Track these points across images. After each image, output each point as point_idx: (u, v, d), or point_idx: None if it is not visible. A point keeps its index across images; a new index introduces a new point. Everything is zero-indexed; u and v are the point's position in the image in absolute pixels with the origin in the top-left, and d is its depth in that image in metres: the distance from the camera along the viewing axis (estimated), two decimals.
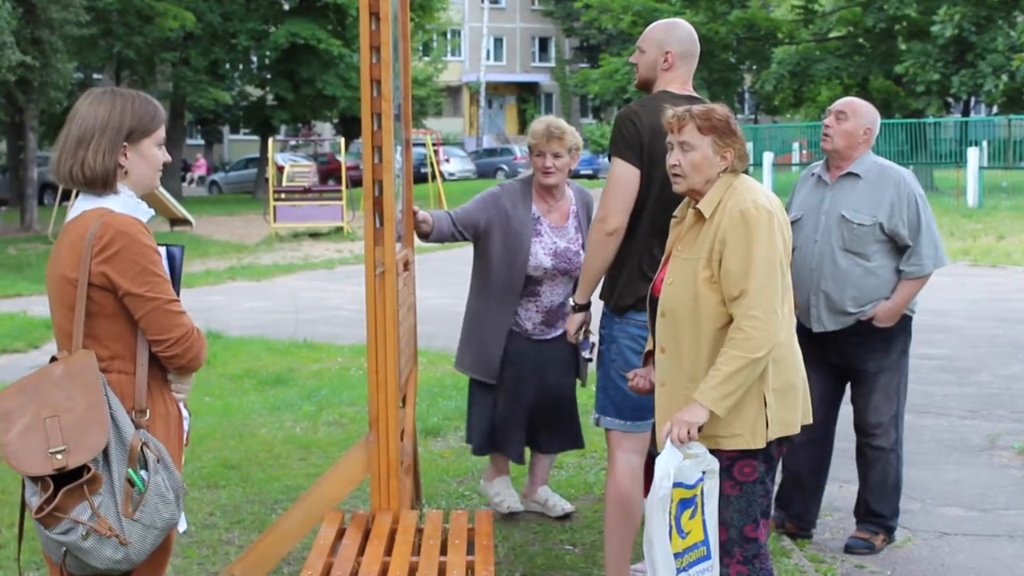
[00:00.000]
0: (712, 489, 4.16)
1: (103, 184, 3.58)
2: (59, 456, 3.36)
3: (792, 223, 5.64)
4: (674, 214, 4.50)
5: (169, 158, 3.80)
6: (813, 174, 6.26)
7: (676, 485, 4.08)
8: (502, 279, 6.30)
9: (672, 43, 5.19)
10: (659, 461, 4.10)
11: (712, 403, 4.06)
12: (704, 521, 4.16)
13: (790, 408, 4.26)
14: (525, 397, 6.40)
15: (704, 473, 4.14)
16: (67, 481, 3.37)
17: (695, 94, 5.21)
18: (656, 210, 4.94)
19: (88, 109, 3.62)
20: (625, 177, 4.97)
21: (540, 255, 6.26)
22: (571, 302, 5.39)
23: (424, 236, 6.24)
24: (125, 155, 3.61)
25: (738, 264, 4.09)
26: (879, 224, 5.92)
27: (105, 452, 3.42)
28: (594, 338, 5.46)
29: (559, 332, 6.36)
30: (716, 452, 4.17)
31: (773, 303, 4.09)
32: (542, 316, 6.37)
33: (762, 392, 4.16)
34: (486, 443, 6.52)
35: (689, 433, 4.07)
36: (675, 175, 4.30)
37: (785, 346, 4.24)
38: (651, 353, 4.56)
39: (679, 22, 5.34)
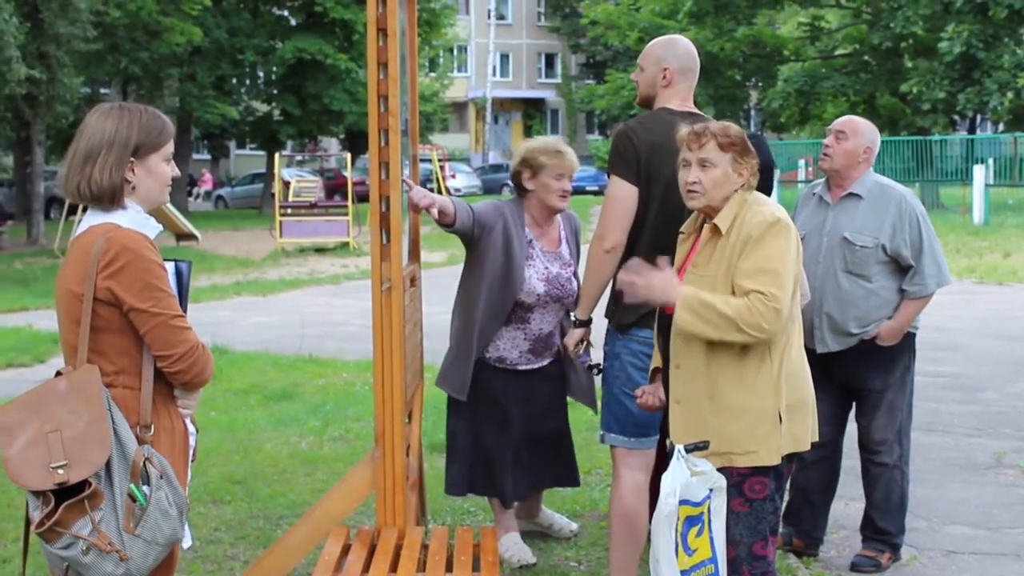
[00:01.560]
0: (719, 507, 4.15)
1: (110, 200, 3.59)
2: (60, 471, 3.36)
3: None
4: (681, 230, 4.50)
5: (178, 173, 3.80)
6: (814, 194, 6.25)
7: (682, 503, 4.07)
8: (493, 300, 5.99)
9: (670, 59, 5.21)
10: (665, 478, 4.10)
11: (684, 307, 4.07)
12: (712, 538, 4.15)
13: (801, 424, 4.25)
14: (511, 434, 6.13)
15: (711, 490, 4.13)
16: (68, 496, 3.37)
17: (695, 110, 5.22)
18: (657, 227, 4.95)
19: (95, 124, 3.63)
20: (622, 195, 4.98)
21: (533, 280, 5.98)
22: (572, 317, 5.36)
23: (449, 225, 5.84)
24: (132, 170, 3.62)
25: (755, 269, 4.08)
26: (881, 246, 5.92)
27: (107, 467, 3.42)
28: (595, 352, 5.44)
29: (546, 362, 6.17)
30: (729, 469, 4.16)
31: (790, 310, 4.09)
32: (529, 344, 6.11)
33: (777, 409, 4.15)
34: (464, 482, 6.25)
35: (646, 298, 4.11)
36: (692, 191, 4.28)
37: (796, 363, 4.24)
38: (658, 370, 4.55)
39: (678, 38, 5.36)
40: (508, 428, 6.12)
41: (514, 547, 6.13)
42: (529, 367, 6.16)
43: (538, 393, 6.19)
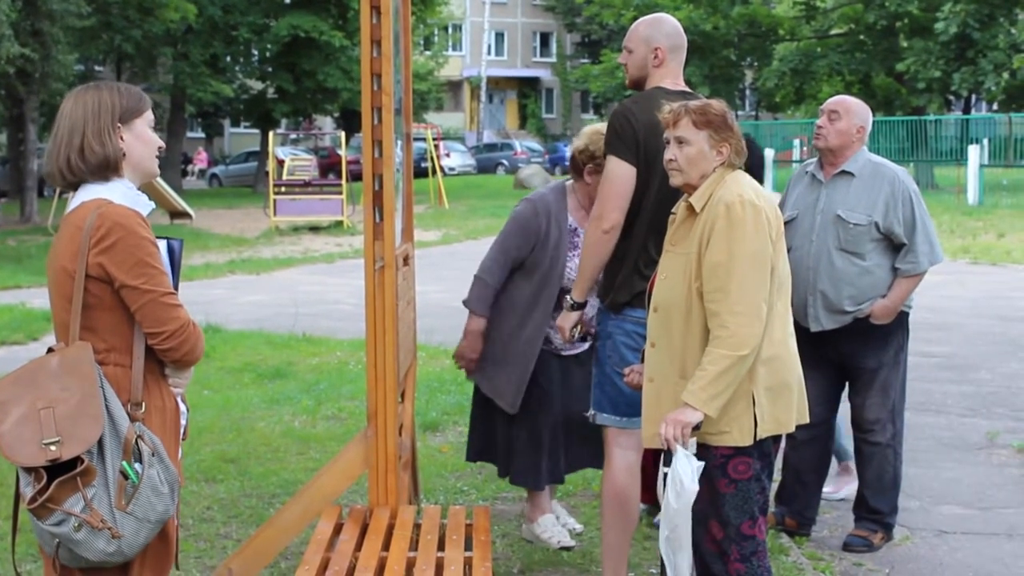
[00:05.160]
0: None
1: (108, 167, 3.57)
2: (53, 447, 3.35)
3: (787, 222, 5.64)
4: (672, 211, 4.49)
5: (163, 143, 3.79)
6: (807, 172, 6.25)
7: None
8: (539, 298, 5.93)
9: (660, 38, 5.16)
10: (679, 469, 4.08)
11: (702, 404, 4.05)
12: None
13: (784, 407, 4.24)
14: (551, 416, 6.04)
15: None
16: (60, 472, 3.36)
17: (688, 89, 5.19)
18: (654, 208, 4.92)
19: (74, 102, 3.62)
20: (621, 175, 4.94)
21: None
22: (567, 300, 5.31)
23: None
24: (121, 137, 3.60)
25: (720, 257, 4.08)
26: (875, 223, 5.93)
27: (99, 444, 3.41)
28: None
29: (585, 347, 6.06)
30: (712, 450, 4.17)
31: (757, 299, 4.07)
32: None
33: (750, 391, 4.14)
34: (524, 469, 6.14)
35: (683, 433, 4.06)
36: (672, 169, 4.31)
37: (780, 344, 4.22)
38: None
39: (663, 16, 5.31)
40: (550, 410, 6.05)
41: (552, 528, 6.09)
42: (571, 352, 6.10)
43: (575, 376, 6.10)
